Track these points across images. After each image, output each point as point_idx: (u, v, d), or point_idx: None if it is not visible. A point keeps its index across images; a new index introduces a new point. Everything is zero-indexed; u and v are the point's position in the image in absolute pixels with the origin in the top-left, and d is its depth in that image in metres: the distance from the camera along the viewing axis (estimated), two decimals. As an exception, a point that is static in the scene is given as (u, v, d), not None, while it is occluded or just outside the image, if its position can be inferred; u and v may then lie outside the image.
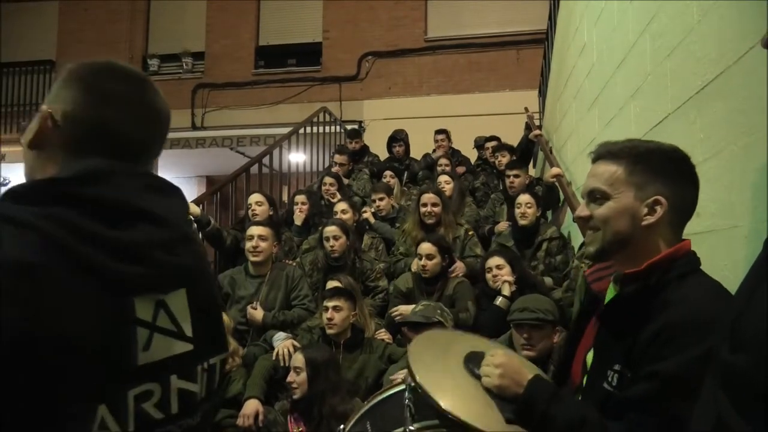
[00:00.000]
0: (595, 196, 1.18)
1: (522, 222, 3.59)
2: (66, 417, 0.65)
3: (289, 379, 2.49)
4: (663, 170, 1.14)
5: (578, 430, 1.06)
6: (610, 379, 1.12)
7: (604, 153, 1.20)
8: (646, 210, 1.13)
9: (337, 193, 4.92)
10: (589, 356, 1.26)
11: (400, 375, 2.14)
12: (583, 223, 1.20)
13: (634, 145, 1.18)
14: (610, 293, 1.26)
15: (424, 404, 1.18)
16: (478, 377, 1.20)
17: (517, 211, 3.63)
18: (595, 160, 1.22)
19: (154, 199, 0.79)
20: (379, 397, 1.43)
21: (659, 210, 1.12)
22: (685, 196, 1.15)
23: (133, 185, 0.77)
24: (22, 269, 0.63)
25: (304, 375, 2.45)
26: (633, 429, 1.03)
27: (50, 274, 0.64)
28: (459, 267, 3.42)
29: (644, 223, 1.13)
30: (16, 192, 0.71)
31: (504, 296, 2.96)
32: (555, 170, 3.94)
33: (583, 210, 1.20)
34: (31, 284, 0.63)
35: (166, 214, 0.79)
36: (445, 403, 1.12)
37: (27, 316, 0.62)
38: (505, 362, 1.18)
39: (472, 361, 1.24)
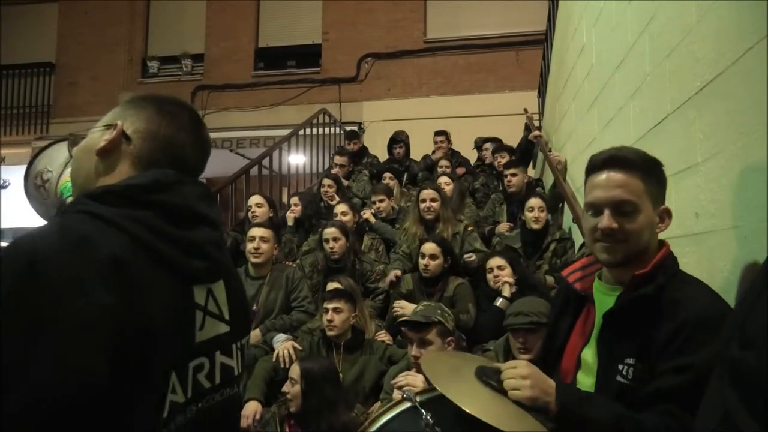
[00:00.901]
0: (624, 209, 1.20)
1: (534, 226, 3.60)
2: (153, 381, 0.79)
3: (284, 389, 2.44)
4: (663, 180, 1.25)
5: (617, 426, 1.08)
6: (624, 372, 1.16)
7: (621, 162, 1.22)
8: (658, 219, 1.22)
9: (336, 195, 4.92)
10: (586, 353, 1.28)
11: (403, 380, 2.13)
12: (610, 234, 1.21)
13: (641, 154, 1.24)
14: (599, 293, 1.30)
15: (448, 422, 1.13)
16: (497, 390, 1.16)
17: (529, 215, 3.62)
18: (603, 168, 1.23)
19: (207, 206, 0.95)
20: (385, 418, 1.32)
21: (668, 219, 1.21)
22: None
23: (193, 194, 0.93)
24: (116, 262, 0.75)
25: (298, 388, 2.35)
26: (669, 420, 1.06)
27: (137, 267, 0.78)
28: (473, 258, 3.48)
29: (657, 231, 1.22)
30: (95, 194, 0.84)
31: (504, 297, 2.96)
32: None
33: (610, 221, 1.20)
34: (124, 275, 0.75)
35: (216, 218, 0.97)
36: (487, 418, 1.06)
37: (122, 301, 0.73)
38: (531, 373, 1.16)
39: (487, 375, 1.20)
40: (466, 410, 1.07)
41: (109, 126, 0.95)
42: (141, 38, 9.94)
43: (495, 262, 3.11)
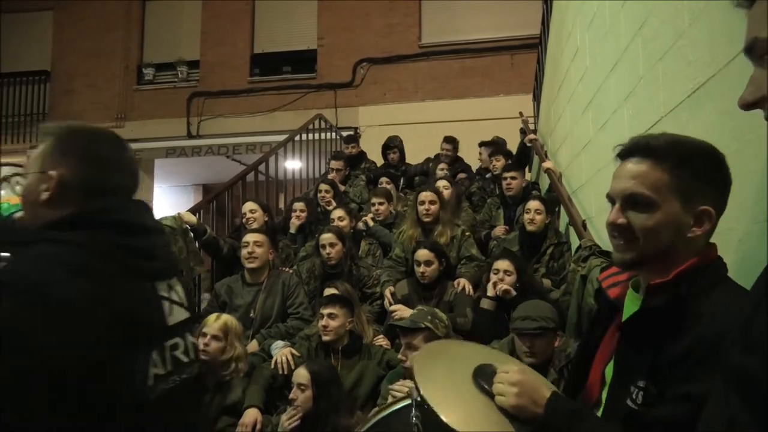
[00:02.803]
0: (635, 202, 1.04)
1: (530, 228, 3.59)
2: (138, 356, 1.01)
3: (291, 396, 2.42)
4: (709, 176, 1.03)
5: None
6: (634, 396, 1.02)
7: (644, 148, 1.05)
8: (692, 221, 1.02)
9: (333, 201, 4.91)
10: (608, 369, 1.16)
11: (402, 387, 2.12)
12: (617, 231, 1.07)
13: (676, 142, 1.05)
14: (629, 301, 1.15)
15: (432, 422, 1.10)
16: (489, 394, 1.11)
17: (525, 216, 3.62)
18: (626, 156, 1.08)
19: (150, 218, 1.19)
20: (384, 413, 1.38)
21: (707, 222, 1.02)
22: (725, 203, 1.05)
23: (138, 211, 1.15)
24: (86, 270, 0.96)
25: (309, 393, 2.38)
26: None
27: (106, 273, 0.99)
28: (462, 282, 3.37)
29: (690, 235, 1.02)
30: (57, 223, 1.03)
31: (488, 298, 2.94)
32: (547, 164, 3.99)
33: (618, 216, 1.06)
34: (99, 279, 0.97)
35: (159, 227, 1.22)
36: (457, 425, 1.04)
37: (107, 299, 0.96)
38: (522, 380, 1.09)
39: (482, 376, 1.15)
40: (441, 417, 1.04)
41: (42, 172, 1.08)
42: (136, 45, 9.94)
43: (503, 264, 3.01)
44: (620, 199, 1.06)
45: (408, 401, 1.30)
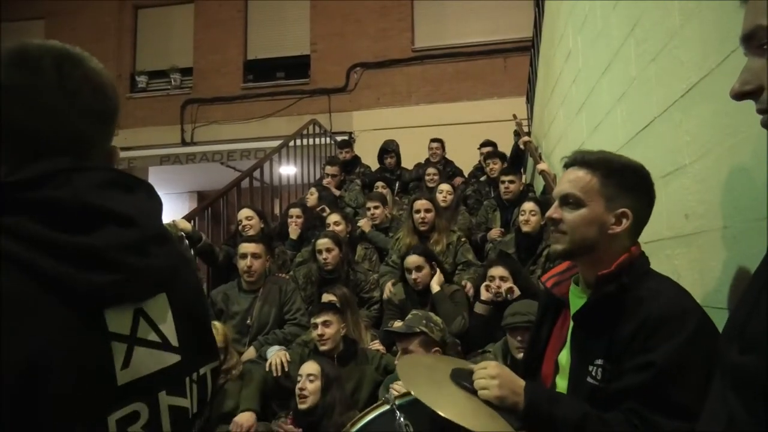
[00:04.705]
0: (568, 201, 1.27)
1: (525, 229, 3.60)
2: None
3: (300, 386, 2.46)
4: (632, 186, 1.26)
5: (582, 425, 1.11)
6: (594, 374, 1.19)
7: (580, 161, 1.29)
8: (613, 220, 1.24)
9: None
10: (561, 357, 1.33)
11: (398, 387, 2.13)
12: (553, 224, 1.29)
13: (609, 159, 1.28)
14: (573, 295, 1.35)
15: (421, 422, 1.20)
16: (471, 390, 1.21)
17: (520, 218, 3.63)
18: (568, 165, 1.31)
19: (115, 196, 0.69)
20: (366, 419, 1.43)
21: (625, 222, 1.23)
22: (645, 210, 1.28)
23: (87, 182, 0.67)
24: None
25: (318, 384, 2.44)
26: (633, 418, 1.09)
27: (10, 297, 0.57)
28: (468, 286, 3.42)
29: (610, 231, 1.24)
30: None
31: (482, 302, 2.95)
32: (542, 166, 4.00)
33: (555, 212, 1.29)
34: None
35: (131, 211, 0.70)
36: (455, 418, 1.12)
37: None
38: (500, 372, 1.22)
39: (461, 377, 1.25)
40: (439, 413, 1.12)
41: None
42: (129, 53, 9.92)
43: (497, 271, 3.01)
44: (558, 198, 1.30)
45: (386, 407, 1.36)
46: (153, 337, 0.72)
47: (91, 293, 0.64)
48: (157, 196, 0.80)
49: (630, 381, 1.11)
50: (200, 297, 0.86)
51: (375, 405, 1.48)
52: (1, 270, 0.58)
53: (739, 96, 0.79)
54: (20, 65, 0.70)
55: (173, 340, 0.74)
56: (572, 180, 1.27)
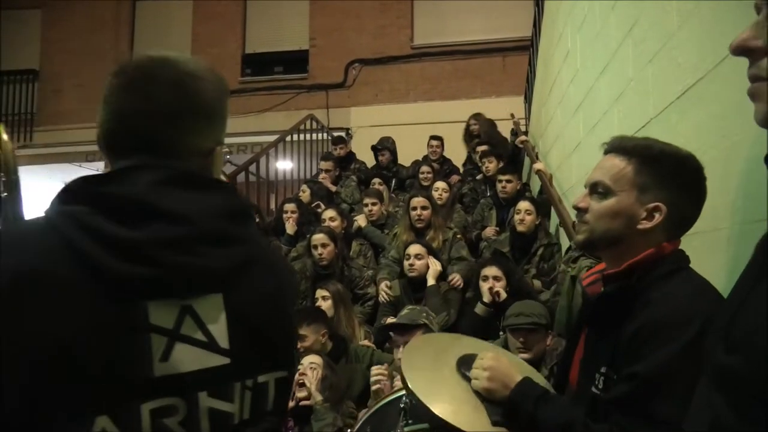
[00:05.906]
0: (597, 189, 1.15)
1: (520, 228, 3.60)
2: (56, 424, 0.62)
3: (300, 372, 2.37)
4: (670, 177, 1.10)
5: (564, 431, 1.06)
6: (597, 382, 1.09)
7: (617, 147, 1.16)
8: (644, 214, 1.10)
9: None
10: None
11: (379, 369, 2.17)
12: (579, 213, 1.19)
13: (649, 144, 1.14)
14: None
15: (418, 407, 1.20)
16: (467, 378, 1.21)
17: (516, 217, 3.64)
18: (606, 152, 1.19)
19: (171, 194, 0.71)
20: (383, 401, 1.48)
21: (657, 217, 1.09)
22: (685, 207, 1.12)
23: (149, 180, 0.71)
24: (17, 276, 0.62)
25: (321, 373, 2.39)
26: (616, 430, 1.00)
27: (51, 279, 0.63)
28: (456, 277, 3.42)
29: (639, 226, 1.10)
30: (60, 191, 0.71)
31: (484, 304, 2.93)
32: (538, 165, 4.00)
33: (581, 200, 1.18)
34: (26, 291, 0.62)
35: (187, 209, 0.71)
36: (435, 407, 1.14)
37: (25, 323, 0.61)
38: (494, 365, 1.18)
39: (465, 364, 1.24)
40: (428, 407, 1.13)
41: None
42: (126, 45, 9.86)
43: (491, 271, 2.99)
44: (588, 186, 1.19)
45: (403, 391, 1.38)
46: (199, 336, 0.72)
47: (127, 284, 0.67)
48: (237, 198, 0.80)
49: (617, 391, 1.03)
50: (272, 305, 0.82)
51: (396, 389, 1.53)
52: (54, 252, 0.64)
53: (739, 50, 0.70)
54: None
55: (223, 342, 0.73)
56: (604, 167, 1.15)
